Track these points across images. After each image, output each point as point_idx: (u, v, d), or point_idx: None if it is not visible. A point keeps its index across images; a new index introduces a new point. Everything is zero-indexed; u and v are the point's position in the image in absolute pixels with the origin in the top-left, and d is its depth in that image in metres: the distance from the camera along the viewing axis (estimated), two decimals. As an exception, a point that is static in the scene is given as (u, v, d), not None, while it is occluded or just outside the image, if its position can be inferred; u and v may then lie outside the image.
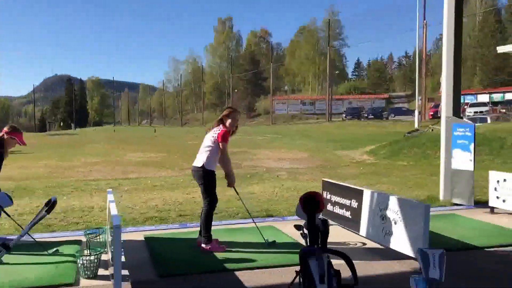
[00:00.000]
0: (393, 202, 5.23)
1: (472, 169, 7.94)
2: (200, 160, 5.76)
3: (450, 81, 8.29)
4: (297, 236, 6.13)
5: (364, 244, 5.89)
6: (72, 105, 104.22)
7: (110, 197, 5.26)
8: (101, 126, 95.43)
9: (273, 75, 67.49)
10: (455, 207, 8.20)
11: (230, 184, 5.90)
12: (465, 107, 44.70)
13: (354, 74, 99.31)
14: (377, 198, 5.54)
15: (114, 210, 4.44)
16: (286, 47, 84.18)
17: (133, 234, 6.53)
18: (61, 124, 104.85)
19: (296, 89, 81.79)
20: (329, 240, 6.03)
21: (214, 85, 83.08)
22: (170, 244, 5.97)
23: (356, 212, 5.97)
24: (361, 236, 5.95)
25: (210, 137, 5.81)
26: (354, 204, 6.03)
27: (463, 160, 8.02)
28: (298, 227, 3.85)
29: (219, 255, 5.49)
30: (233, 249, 5.71)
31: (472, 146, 7.86)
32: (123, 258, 5.28)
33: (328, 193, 6.77)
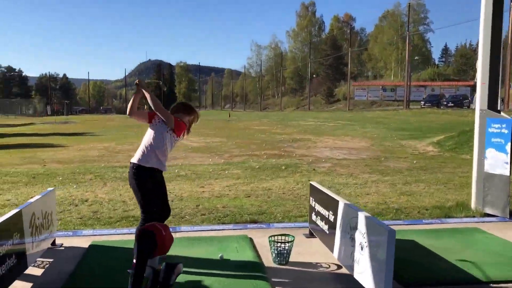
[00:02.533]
0: (361, 221, 4.10)
1: (508, 174, 6.42)
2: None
3: (486, 68, 6.71)
4: (265, 252, 5.21)
5: (339, 267, 4.81)
6: (160, 89, 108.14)
7: (34, 199, 4.59)
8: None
9: (356, 60, 64.85)
10: (486, 218, 6.72)
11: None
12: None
13: (441, 60, 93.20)
14: (349, 214, 4.42)
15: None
16: (369, 32, 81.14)
17: (85, 239, 5.80)
18: (146, 106, 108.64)
19: (378, 74, 78.30)
20: (302, 258, 5.09)
21: (295, 70, 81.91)
22: (110, 255, 5.14)
23: (332, 227, 4.88)
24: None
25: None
26: (331, 217, 4.93)
27: (497, 162, 6.51)
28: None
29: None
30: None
31: (508, 146, 6.33)
32: (37, 272, 4.68)
33: (313, 200, 5.70)
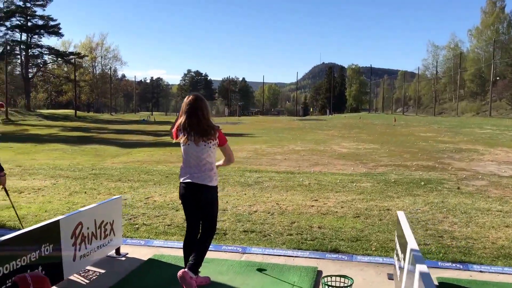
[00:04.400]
0: (417, 276, 3.10)
1: None
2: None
3: None
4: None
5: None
6: (331, 92, 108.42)
7: (85, 208, 4.48)
8: (358, 112, 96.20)
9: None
10: None
11: None
12: None
13: None
14: (413, 262, 3.39)
15: None
16: None
17: (153, 250, 5.58)
18: (313, 109, 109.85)
19: None
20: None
21: (476, 72, 74.43)
22: (162, 273, 4.77)
23: (401, 274, 3.87)
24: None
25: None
26: (402, 260, 3.91)
27: None
28: None
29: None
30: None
31: None
32: (76, 283, 4.52)
33: (397, 234, 4.66)
